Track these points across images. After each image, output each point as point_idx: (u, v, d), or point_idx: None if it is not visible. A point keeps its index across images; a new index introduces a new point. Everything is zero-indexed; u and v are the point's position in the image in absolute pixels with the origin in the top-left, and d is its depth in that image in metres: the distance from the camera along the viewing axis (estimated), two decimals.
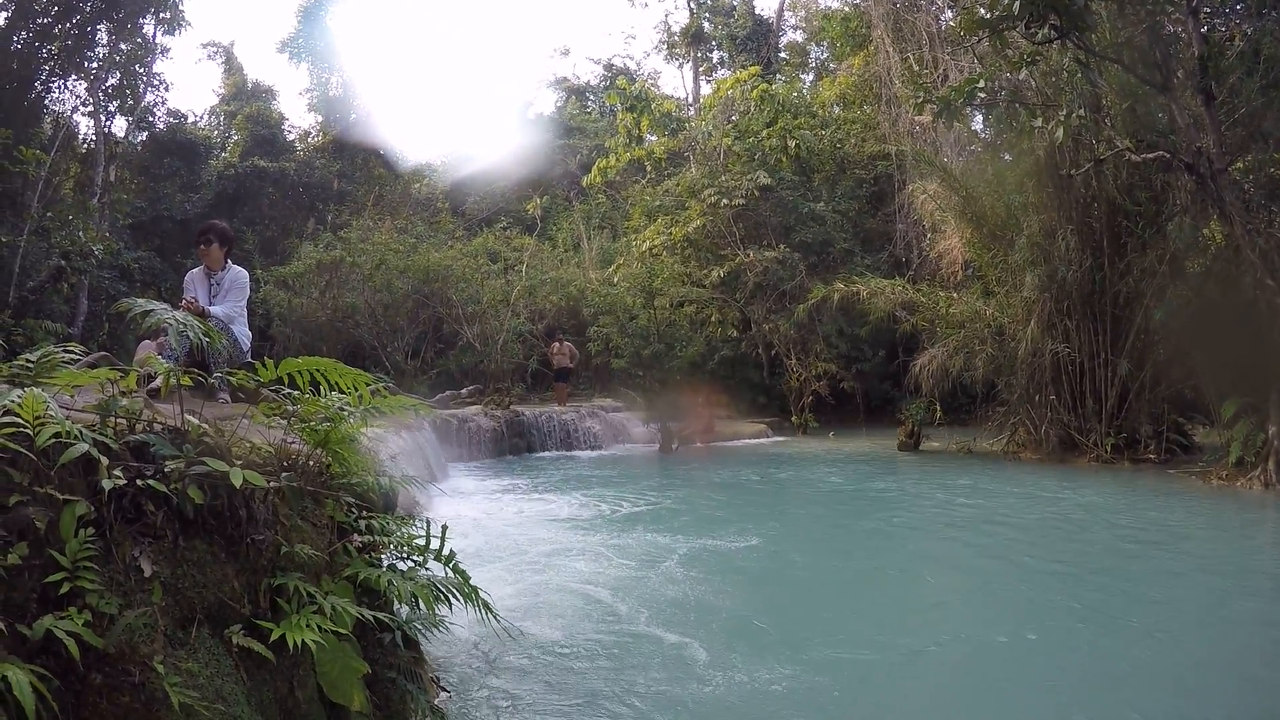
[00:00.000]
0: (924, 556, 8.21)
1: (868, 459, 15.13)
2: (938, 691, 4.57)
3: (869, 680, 4.67)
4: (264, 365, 3.44)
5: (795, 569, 7.58)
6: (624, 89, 24.96)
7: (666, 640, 5.30)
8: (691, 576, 6.85)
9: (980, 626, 5.72)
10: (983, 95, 11.70)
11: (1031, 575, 7.02)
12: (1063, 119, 10.98)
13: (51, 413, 2.42)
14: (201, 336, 3.14)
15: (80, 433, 2.43)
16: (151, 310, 2.97)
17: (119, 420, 2.81)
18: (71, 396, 3.02)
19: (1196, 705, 4.31)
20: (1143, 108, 11.54)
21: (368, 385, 3.59)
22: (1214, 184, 10.12)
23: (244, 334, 6.55)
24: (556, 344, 19.74)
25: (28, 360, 3.00)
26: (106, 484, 2.39)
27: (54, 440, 2.34)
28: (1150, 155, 10.95)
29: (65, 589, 2.17)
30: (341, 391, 3.63)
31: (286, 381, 3.49)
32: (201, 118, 34.09)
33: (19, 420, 2.33)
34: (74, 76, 20.17)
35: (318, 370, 3.48)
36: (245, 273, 6.68)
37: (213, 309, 6.21)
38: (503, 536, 8.41)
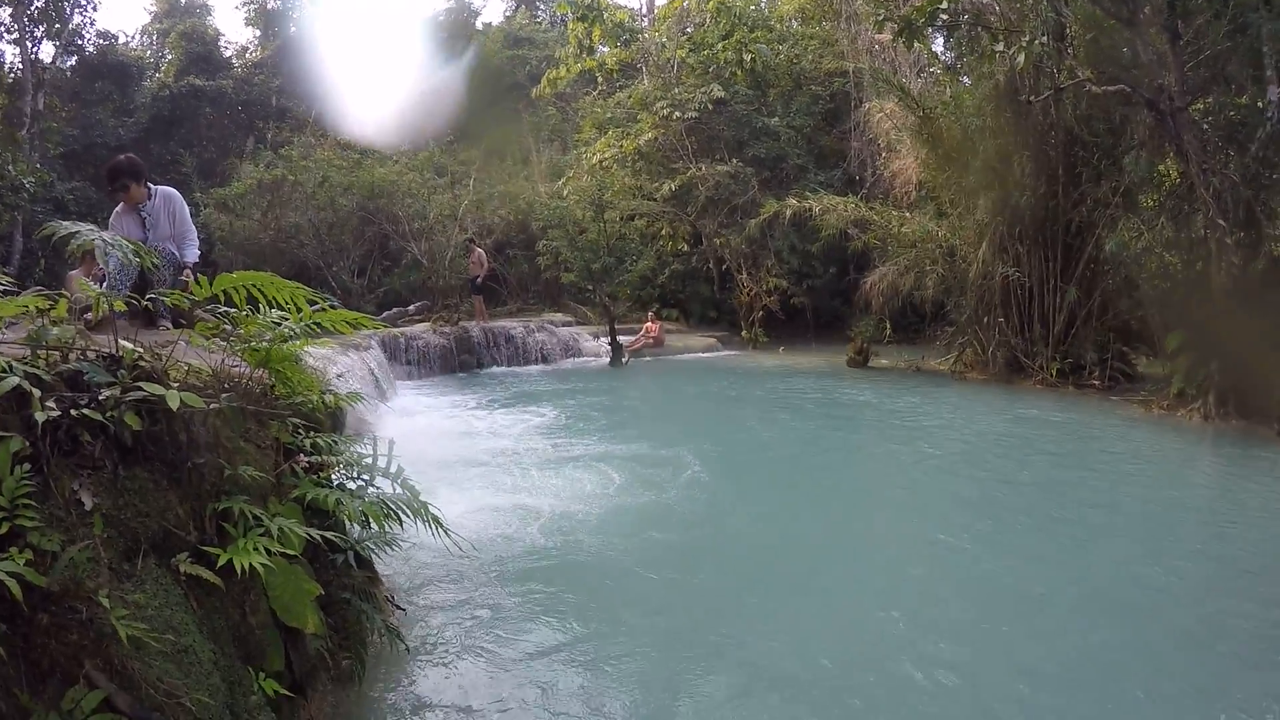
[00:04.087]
0: (872, 472, 8.45)
1: (817, 374, 15.36)
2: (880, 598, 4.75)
3: (822, 593, 4.83)
4: (198, 283, 3.33)
5: (741, 480, 7.75)
6: None
7: (616, 553, 5.41)
8: (642, 488, 6.97)
9: (917, 527, 5.93)
10: (945, 16, 11.52)
11: (975, 491, 7.26)
12: (1025, 45, 10.89)
13: None
14: (131, 257, 3.02)
15: (10, 366, 2.34)
16: (76, 232, 2.84)
17: (51, 351, 2.71)
18: (2, 331, 2.91)
19: (1119, 619, 4.56)
20: (1107, 40, 11.44)
21: (308, 300, 3.49)
22: (1173, 122, 10.16)
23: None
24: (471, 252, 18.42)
25: None
26: (39, 417, 2.31)
27: None
28: (1111, 88, 10.92)
29: (4, 529, 2.11)
30: (281, 308, 3.53)
31: (222, 299, 3.39)
32: (133, 38, 33.05)
33: None
34: None
35: (254, 285, 3.38)
36: (175, 192, 6.40)
37: (187, 258, 6.18)
38: (452, 453, 8.43)
